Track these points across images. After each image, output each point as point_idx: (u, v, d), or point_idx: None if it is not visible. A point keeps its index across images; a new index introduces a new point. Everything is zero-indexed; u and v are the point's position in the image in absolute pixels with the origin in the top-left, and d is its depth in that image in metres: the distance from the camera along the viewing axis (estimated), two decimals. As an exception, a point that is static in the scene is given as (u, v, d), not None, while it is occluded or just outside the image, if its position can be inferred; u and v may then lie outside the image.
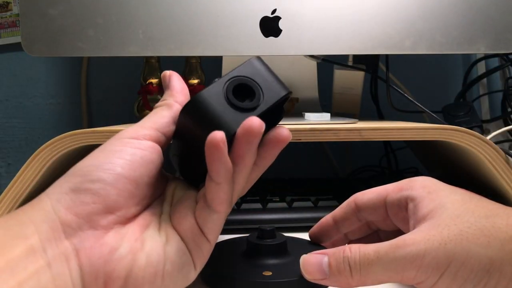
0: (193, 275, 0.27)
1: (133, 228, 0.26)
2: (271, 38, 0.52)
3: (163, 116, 0.29)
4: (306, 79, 0.66)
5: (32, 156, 0.42)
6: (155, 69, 0.68)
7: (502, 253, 0.25)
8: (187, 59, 0.69)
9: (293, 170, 0.77)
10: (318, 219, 0.37)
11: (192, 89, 0.65)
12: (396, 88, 0.59)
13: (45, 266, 0.23)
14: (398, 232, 0.31)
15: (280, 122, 0.31)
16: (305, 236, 0.38)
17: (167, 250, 0.26)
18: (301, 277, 0.30)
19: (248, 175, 0.28)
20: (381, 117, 0.75)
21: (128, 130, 0.28)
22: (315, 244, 0.37)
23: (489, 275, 0.25)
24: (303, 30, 0.52)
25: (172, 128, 0.29)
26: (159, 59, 0.69)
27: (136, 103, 0.69)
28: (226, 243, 0.38)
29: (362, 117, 0.69)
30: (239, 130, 0.25)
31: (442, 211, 0.28)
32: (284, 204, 0.50)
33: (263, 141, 0.28)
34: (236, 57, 0.58)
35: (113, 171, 0.25)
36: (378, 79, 0.71)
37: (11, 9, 0.78)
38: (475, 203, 0.29)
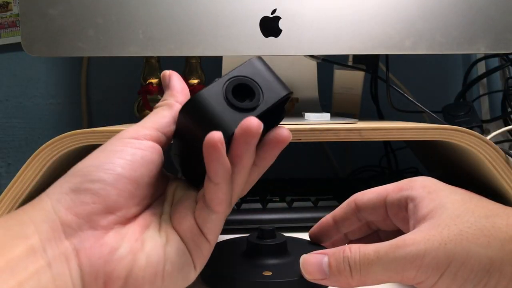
0: (193, 275, 0.27)
1: (133, 228, 0.26)
2: (271, 38, 0.52)
3: (163, 116, 0.29)
4: (306, 79, 0.66)
5: (32, 156, 0.42)
6: (155, 69, 0.68)
7: (502, 253, 0.25)
8: (187, 59, 0.69)
9: (293, 170, 0.77)
10: (318, 219, 0.37)
11: (192, 89, 0.65)
12: (396, 88, 0.59)
13: (45, 266, 0.23)
14: (398, 232, 0.31)
15: (281, 122, 0.31)
16: (305, 236, 0.38)
17: (167, 250, 0.26)
18: (301, 277, 0.30)
19: (247, 175, 0.28)
20: (381, 117, 0.75)
21: (129, 130, 0.28)
22: (315, 244, 0.37)
23: (489, 275, 0.25)
24: (303, 30, 0.52)
25: (173, 128, 0.29)
26: (159, 59, 0.69)
27: (136, 103, 0.69)
28: (226, 243, 0.38)
29: (362, 117, 0.69)
30: (237, 130, 0.25)
31: (442, 211, 0.28)
32: (284, 204, 0.50)
33: (263, 142, 0.28)
34: (236, 57, 0.58)
35: (113, 171, 0.25)
36: (378, 79, 0.71)
37: (11, 9, 0.78)
38: (475, 203, 0.29)
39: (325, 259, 0.28)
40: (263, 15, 0.52)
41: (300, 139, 0.44)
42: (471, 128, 0.47)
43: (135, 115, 0.69)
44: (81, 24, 0.51)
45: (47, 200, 0.25)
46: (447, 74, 0.86)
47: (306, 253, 0.30)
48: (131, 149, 0.27)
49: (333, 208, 0.37)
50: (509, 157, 0.43)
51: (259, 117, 0.26)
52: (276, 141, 0.28)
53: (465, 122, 0.64)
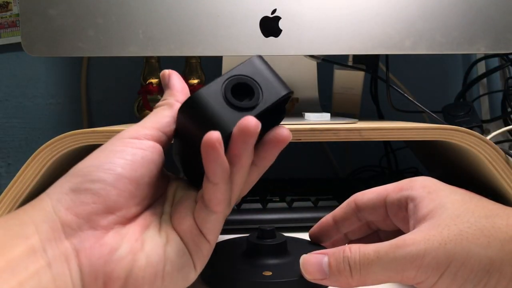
0: (193, 275, 0.27)
1: (133, 229, 0.26)
2: (271, 38, 0.52)
3: (164, 115, 0.29)
4: (306, 79, 0.66)
5: (32, 156, 0.42)
6: (155, 69, 0.68)
7: (502, 253, 0.25)
8: (187, 59, 0.69)
9: (293, 170, 0.77)
10: (318, 219, 0.37)
11: (192, 89, 0.65)
12: (396, 88, 0.59)
13: (46, 266, 0.23)
14: (398, 232, 0.31)
15: (281, 122, 0.31)
16: (305, 236, 0.38)
17: (167, 250, 0.26)
18: (301, 277, 0.30)
19: (246, 175, 0.28)
20: (381, 117, 0.75)
21: (129, 130, 0.28)
22: (315, 244, 0.37)
23: (489, 275, 0.25)
24: (303, 30, 0.52)
25: (174, 127, 0.29)
26: (159, 59, 0.69)
27: (136, 103, 0.69)
28: (226, 243, 0.38)
29: (362, 117, 0.69)
30: (234, 130, 0.25)
31: (442, 211, 0.28)
32: (284, 204, 0.50)
33: (262, 141, 0.28)
34: (236, 57, 0.58)
35: (113, 171, 0.25)
36: (378, 79, 0.71)
37: (11, 9, 0.78)
38: (475, 203, 0.29)
39: (325, 259, 0.28)
40: (263, 15, 0.52)
41: (300, 139, 0.44)
42: (471, 128, 0.47)
43: (135, 115, 0.69)
44: (81, 24, 0.51)
45: (47, 200, 0.25)
46: (447, 74, 0.86)
47: (306, 253, 0.30)
48: (131, 149, 0.27)
49: (333, 208, 0.37)
50: (509, 157, 0.43)
51: (258, 116, 0.26)
52: (275, 140, 0.28)
53: (465, 122, 0.64)
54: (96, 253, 0.24)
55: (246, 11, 0.51)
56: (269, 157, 0.29)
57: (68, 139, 0.42)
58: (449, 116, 0.66)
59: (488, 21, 0.51)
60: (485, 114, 0.81)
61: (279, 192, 0.55)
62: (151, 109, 0.66)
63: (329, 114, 0.53)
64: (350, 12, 0.52)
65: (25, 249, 0.23)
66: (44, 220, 0.24)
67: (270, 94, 0.27)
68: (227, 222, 0.46)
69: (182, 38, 0.51)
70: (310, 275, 0.29)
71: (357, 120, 0.55)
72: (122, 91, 0.81)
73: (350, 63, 0.66)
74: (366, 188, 0.35)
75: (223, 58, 0.64)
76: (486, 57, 0.79)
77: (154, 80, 0.67)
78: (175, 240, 0.27)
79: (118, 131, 0.28)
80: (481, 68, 0.81)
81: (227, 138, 0.25)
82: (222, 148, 0.24)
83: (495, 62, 0.80)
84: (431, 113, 0.55)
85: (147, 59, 0.68)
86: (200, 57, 0.69)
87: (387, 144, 0.77)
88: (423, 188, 0.31)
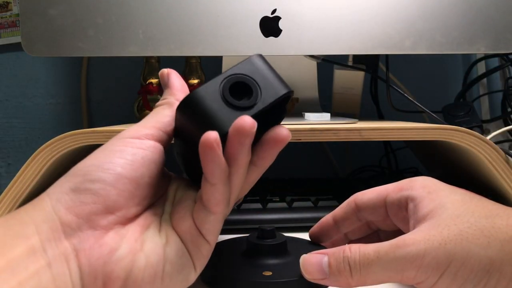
0: (193, 276, 0.27)
1: (133, 229, 0.26)
2: (271, 38, 0.52)
3: (164, 115, 0.29)
4: (306, 79, 0.66)
5: (32, 156, 0.42)
6: (155, 69, 0.68)
7: (502, 254, 0.25)
8: (187, 59, 0.69)
9: (293, 170, 0.77)
10: (318, 219, 0.37)
11: (192, 89, 0.65)
12: (396, 88, 0.59)
13: (46, 266, 0.23)
14: (398, 232, 0.31)
15: (281, 122, 0.30)
16: (305, 236, 0.38)
17: (167, 251, 0.26)
18: (301, 277, 0.30)
19: (244, 175, 0.28)
20: (381, 117, 0.75)
21: (130, 130, 0.28)
22: (315, 244, 0.37)
23: (489, 275, 0.25)
24: (303, 30, 0.52)
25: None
26: (159, 59, 0.69)
27: (136, 103, 0.69)
28: (226, 243, 0.38)
29: (362, 117, 0.69)
30: (230, 130, 0.25)
31: (442, 211, 0.28)
32: (284, 204, 0.50)
33: (261, 141, 0.28)
34: (236, 57, 0.58)
35: (113, 171, 0.25)
36: (378, 79, 0.71)
37: (11, 9, 0.78)
38: (475, 203, 0.29)
39: (325, 259, 0.28)
40: (263, 15, 0.52)
41: (300, 139, 0.44)
42: (471, 128, 0.47)
43: (135, 115, 0.69)
44: (81, 24, 0.51)
45: (47, 200, 0.25)
46: (447, 74, 0.86)
47: (306, 253, 0.30)
48: (131, 149, 0.27)
49: (333, 208, 0.37)
50: (509, 157, 0.43)
51: (256, 115, 0.26)
52: (275, 140, 0.27)
53: (465, 122, 0.64)
54: (96, 253, 0.24)
55: (246, 11, 0.51)
56: (269, 157, 0.29)
57: (68, 139, 0.42)
58: (449, 116, 0.66)
59: (488, 21, 0.51)
60: (485, 114, 0.81)
61: (279, 192, 0.55)
62: (151, 109, 0.66)
63: (329, 114, 0.53)
64: (350, 12, 0.52)
65: (25, 249, 0.23)
66: (44, 220, 0.24)
67: (269, 94, 0.27)
68: (227, 222, 0.46)
69: (182, 38, 0.51)
70: (310, 275, 0.29)
71: (357, 120, 0.55)
72: (122, 91, 0.81)
73: (350, 63, 0.66)
74: (366, 188, 0.35)
75: (223, 58, 0.64)
76: (486, 57, 0.79)
77: (154, 80, 0.67)
78: (174, 240, 0.27)
79: (118, 131, 0.28)
80: (481, 68, 0.81)
81: (223, 137, 0.25)
82: (220, 148, 0.24)
83: (495, 62, 0.80)
84: (431, 113, 0.55)
85: (147, 59, 0.68)
86: (200, 57, 0.69)
87: (387, 144, 0.77)
88: (423, 188, 0.31)
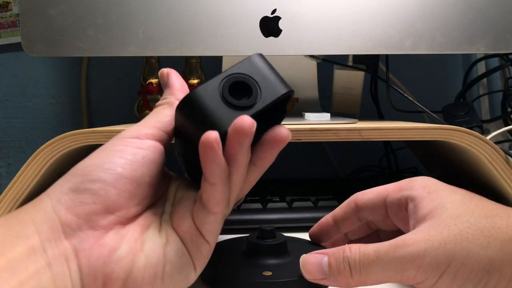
0: (193, 276, 0.27)
1: (133, 229, 0.26)
2: (271, 38, 0.52)
3: (165, 115, 0.29)
4: (306, 79, 0.66)
5: (32, 156, 0.42)
6: (155, 69, 0.68)
7: (502, 254, 0.25)
8: (187, 59, 0.69)
9: (293, 170, 0.77)
10: (318, 219, 0.37)
11: (192, 89, 0.65)
12: (396, 88, 0.59)
13: (46, 266, 0.23)
14: (398, 232, 0.31)
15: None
16: (305, 236, 0.38)
17: (167, 251, 0.26)
18: (301, 277, 0.30)
19: (243, 175, 0.28)
20: (381, 117, 0.75)
21: (130, 130, 0.28)
22: (315, 244, 0.37)
23: (489, 275, 0.25)
24: (303, 30, 0.52)
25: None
26: (159, 59, 0.69)
27: (136, 103, 0.69)
28: (226, 243, 0.38)
29: (362, 117, 0.69)
30: (229, 130, 0.25)
31: (442, 211, 0.28)
32: (284, 204, 0.50)
33: (261, 141, 0.28)
34: (236, 57, 0.58)
35: (113, 171, 0.25)
36: (378, 79, 0.71)
37: (11, 9, 0.78)
38: (475, 203, 0.29)
39: (325, 259, 0.28)
40: (263, 15, 0.52)
41: (300, 139, 0.44)
42: (471, 128, 0.47)
43: (135, 115, 0.69)
44: (81, 24, 0.51)
45: (47, 200, 0.25)
46: (447, 74, 0.86)
47: (306, 253, 0.30)
48: (132, 149, 0.27)
49: (333, 208, 0.37)
50: (509, 157, 0.43)
51: (256, 115, 0.26)
52: (274, 140, 0.27)
53: (465, 122, 0.64)
54: (96, 253, 0.24)
55: (246, 11, 0.51)
56: (269, 157, 0.28)
57: (68, 139, 0.42)
58: (449, 116, 0.66)
59: (488, 21, 0.51)
60: (485, 114, 0.81)
61: (279, 192, 0.55)
62: (151, 109, 0.66)
63: (329, 114, 0.53)
64: (350, 12, 0.52)
65: (25, 249, 0.23)
66: (44, 220, 0.24)
67: (268, 93, 0.27)
68: (227, 222, 0.46)
69: (182, 38, 0.51)
70: (310, 275, 0.29)
71: (357, 120, 0.55)
72: (122, 91, 0.81)
73: (350, 63, 0.66)
74: (366, 188, 0.35)
75: (223, 58, 0.64)
76: (486, 57, 0.79)
77: (154, 80, 0.67)
78: (174, 240, 0.26)
79: (118, 131, 0.28)
80: (481, 68, 0.81)
81: (223, 137, 0.25)
82: (220, 148, 0.24)
83: (495, 62, 0.80)
84: (431, 113, 0.55)
85: (147, 59, 0.68)
86: (200, 57, 0.69)
87: (387, 144, 0.77)
88: (423, 188, 0.31)
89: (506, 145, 0.71)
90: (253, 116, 0.25)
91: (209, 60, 0.68)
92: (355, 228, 0.36)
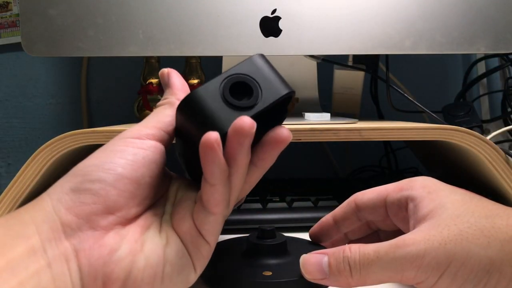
0: (193, 277, 0.27)
1: (133, 229, 0.26)
2: (271, 38, 0.52)
3: (166, 115, 0.29)
4: (306, 79, 0.66)
5: (32, 156, 0.42)
6: (155, 69, 0.68)
7: (502, 254, 0.25)
8: (187, 59, 0.69)
9: (293, 170, 0.77)
10: (318, 219, 0.37)
11: (192, 89, 0.65)
12: (396, 88, 0.59)
13: (46, 266, 0.23)
14: (398, 232, 0.31)
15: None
16: (305, 236, 0.38)
17: (167, 251, 0.26)
18: (301, 277, 0.30)
19: (244, 175, 0.28)
20: (381, 117, 0.75)
21: (131, 130, 0.28)
22: (315, 244, 0.37)
23: (489, 275, 0.25)
24: (303, 30, 0.52)
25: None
26: (159, 59, 0.69)
27: (136, 103, 0.69)
28: (226, 243, 0.38)
29: (362, 117, 0.69)
30: (229, 130, 0.25)
31: (442, 211, 0.28)
32: (284, 204, 0.50)
33: (262, 142, 0.28)
34: (236, 57, 0.58)
35: (113, 171, 0.25)
36: (378, 79, 0.71)
37: (11, 9, 0.78)
38: (475, 203, 0.29)
39: (325, 259, 0.28)
40: (263, 15, 0.52)
41: (300, 139, 0.44)
42: (471, 128, 0.47)
43: (135, 115, 0.69)
44: (81, 24, 0.51)
45: (47, 200, 0.25)
46: (447, 74, 0.86)
47: (306, 253, 0.30)
48: (132, 149, 0.27)
49: (333, 208, 0.37)
50: (509, 157, 0.43)
51: (257, 116, 0.26)
52: (275, 141, 0.27)
53: (465, 122, 0.64)
54: (96, 253, 0.24)
55: (246, 11, 0.51)
56: (269, 158, 0.28)
57: (68, 139, 0.42)
58: (449, 116, 0.66)
59: (488, 21, 0.51)
60: (485, 114, 0.81)
61: (279, 192, 0.55)
62: (151, 109, 0.66)
63: (329, 114, 0.53)
64: (350, 12, 0.52)
65: (25, 249, 0.23)
66: (44, 220, 0.24)
67: (269, 94, 0.27)
68: (227, 222, 0.46)
69: (182, 38, 0.51)
70: (310, 275, 0.29)
71: (357, 120, 0.55)
72: (122, 91, 0.81)
73: (350, 63, 0.66)
74: (366, 188, 0.35)
75: (223, 58, 0.64)
76: (486, 57, 0.79)
77: (154, 80, 0.67)
78: (175, 241, 0.26)
79: (118, 131, 0.28)
80: (481, 68, 0.81)
81: (223, 138, 0.25)
82: (220, 149, 0.24)
83: (495, 62, 0.80)
84: (431, 113, 0.55)
85: (147, 59, 0.68)
86: (200, 57, 0.69)
87: (387, 144, 0.77)
88: (423, 188, 0.31)
89: (506, 145, 0.71)
90: (253, 117, 0.25)
91: (209, 60, 0.68)
92: (355, 228, 0.36)
